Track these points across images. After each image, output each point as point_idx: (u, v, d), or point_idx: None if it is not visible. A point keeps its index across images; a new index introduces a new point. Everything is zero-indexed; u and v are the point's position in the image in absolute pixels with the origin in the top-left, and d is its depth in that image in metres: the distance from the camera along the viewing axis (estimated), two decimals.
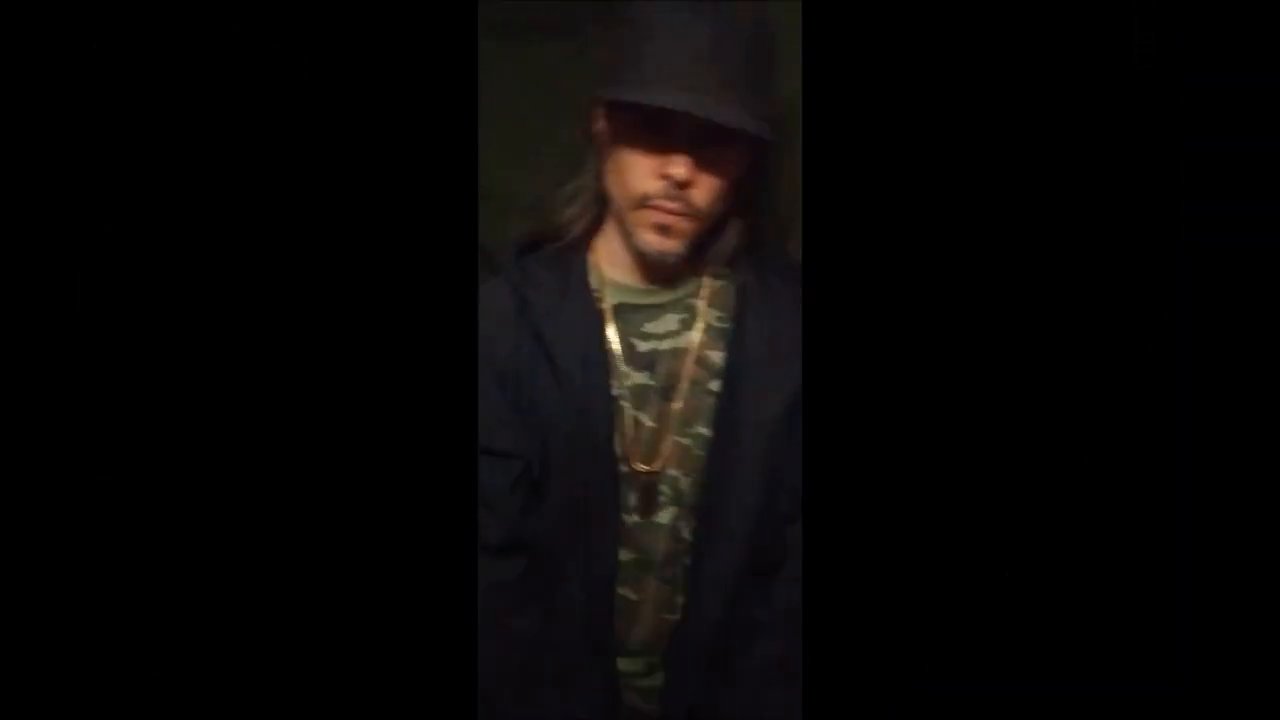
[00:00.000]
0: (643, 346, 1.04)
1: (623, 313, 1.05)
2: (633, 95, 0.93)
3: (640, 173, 0.97)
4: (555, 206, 1.07)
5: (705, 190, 0.97)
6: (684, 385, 1.03)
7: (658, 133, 0.95)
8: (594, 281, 1.05)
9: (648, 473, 1.02)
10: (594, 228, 1.06)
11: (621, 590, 1.03)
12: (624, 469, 1.02)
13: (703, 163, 0.96)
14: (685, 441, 1.03)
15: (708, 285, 1.05)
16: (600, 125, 1.01)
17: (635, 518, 1.03)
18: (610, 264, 1.06)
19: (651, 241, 0.99)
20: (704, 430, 1.03)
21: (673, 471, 1.03)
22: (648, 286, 1.05)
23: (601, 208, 1.05)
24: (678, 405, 1.03)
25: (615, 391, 1.02)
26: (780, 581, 1.02)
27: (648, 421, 1.03)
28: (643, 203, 0.98)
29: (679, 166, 0.94)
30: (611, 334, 1.04)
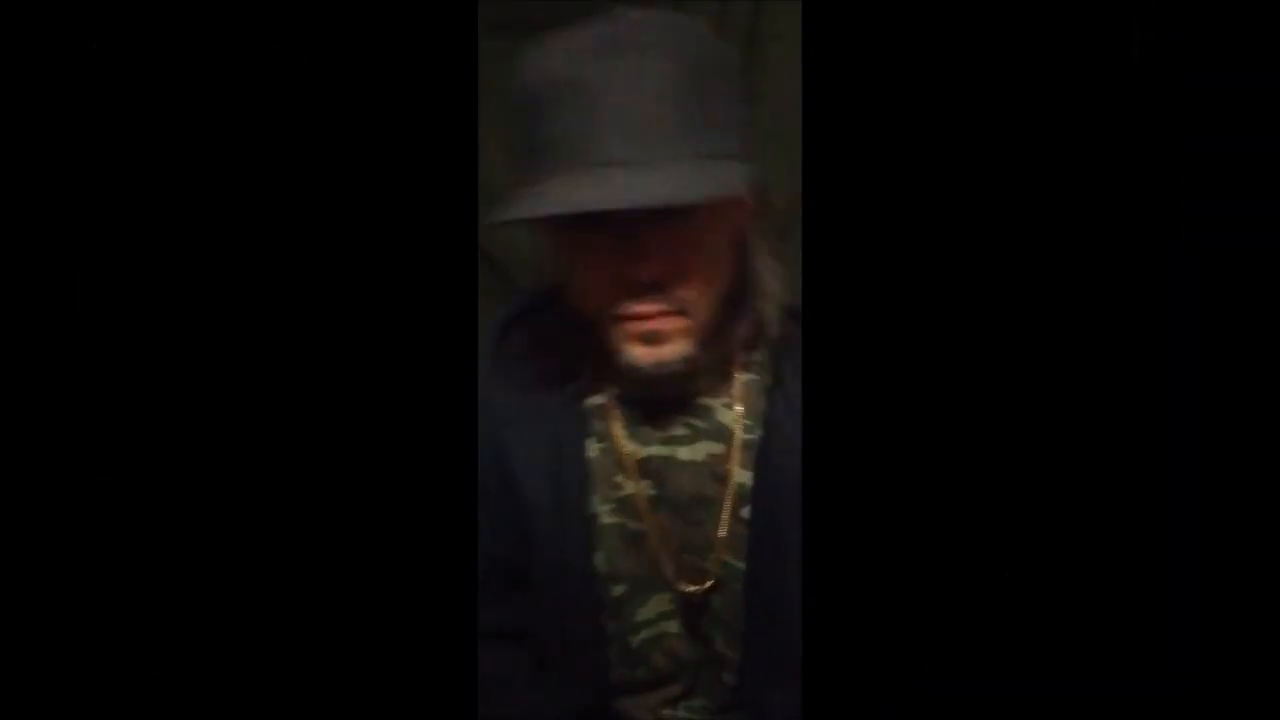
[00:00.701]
0: (642, 452, 0.85)
1: (615, 408, 0.86)
2: (539, 208, 0.70)
3: (602, 280, 0.76)
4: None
5: (694, 281, 0.76)
6: (701, 508, 0.85)
7: (605, 225, 0.73)
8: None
9: (693, 592, 0.85)
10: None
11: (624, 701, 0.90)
12: (618, 589, 0.86)
13: (677, 246, 0.74)
14: (708, 565, 0.86)
15: (739, 384, 0.85)
16: (542, 235, 0.81)
17: (642, 635, 0.88)
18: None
19: (641, 355, 0.78)
20: (734, 561, 0.86)
21: (710, 597, 0.87)
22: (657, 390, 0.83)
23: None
24: (680, 523, 0.85)
25: (596, 508, 0.85)
26: None
27: (652, 533, 0.85)
28: (617, 315, 0.77)
29: (645, 268, 0.74)
30: (600, 436, 0.85)
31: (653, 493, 0.85)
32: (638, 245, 0.73)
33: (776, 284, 0.84)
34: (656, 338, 0.77)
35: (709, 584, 0.85)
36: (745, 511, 0.85)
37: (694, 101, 0.71)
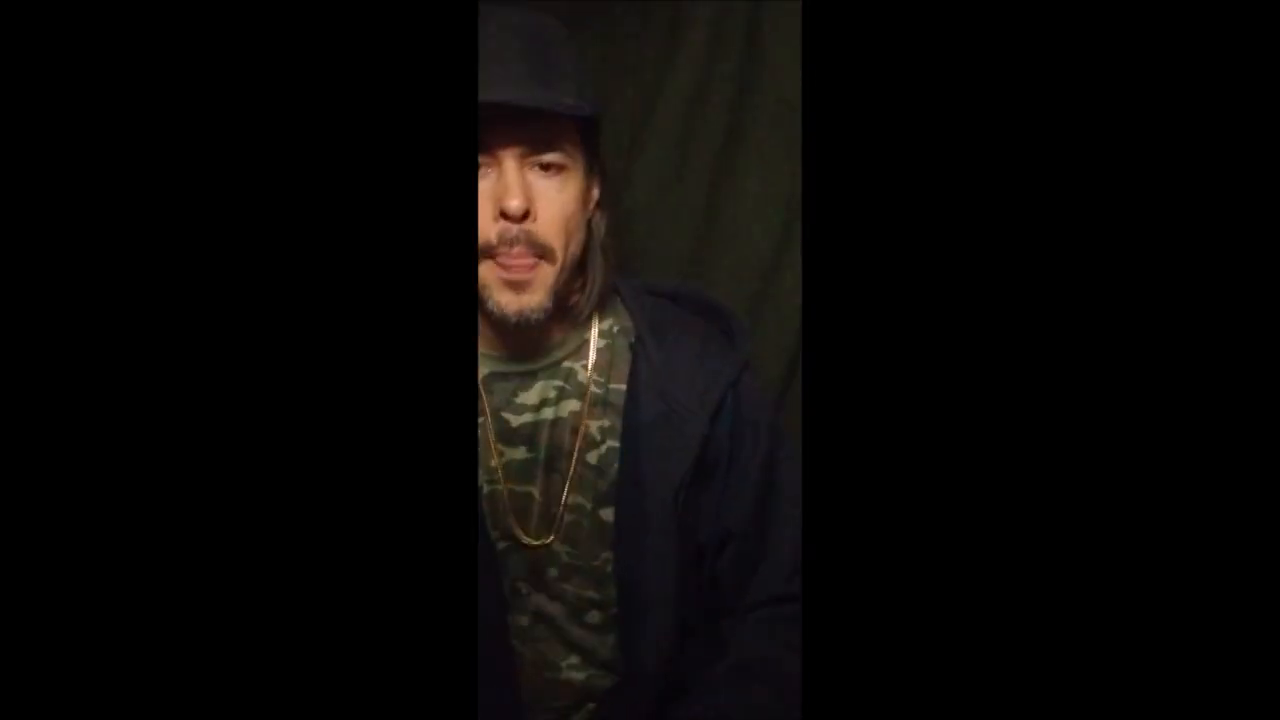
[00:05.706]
0: (516, 421, 0.97)
1: (491, 384, 0.97)
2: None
3: (485, 215, 0.88)
4: None
5: (548, 221, 0.89)
6: (565, 459, 0.97)
7: (485, 160, 0.88)
8: None
9: (535, 547, 0.97)
10: None
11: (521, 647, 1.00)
12: (524, 541, 0.98)
13: (540, 189, 0.89)
14: (570, 516, 0.98)
15: (591, 346, 0.99)
16: None
17: (527, 588, 0.99)
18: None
19: (507, 303, 0.90)
20: (585, 502, 0.98)
21: (559, 546, 0.98)
22: (512, 354, 0.97)
23: None
24: (557, 478, 0.97)
25: (484, 474, 0.96)
26: (720, 639, 1.00)
27: (537, 495, 0.97)
28: (486, 254, 0.89)
29: (513, 197, 0.87)
30: (481, 410, 0.96)
31: (530, 455, 0.98)
32: (512, 177, 0.88)
33: (611, 247, 0.97)
34: (522, 286, 0.89)
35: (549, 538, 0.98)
36: (591, 457, 0.98)
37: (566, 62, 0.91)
